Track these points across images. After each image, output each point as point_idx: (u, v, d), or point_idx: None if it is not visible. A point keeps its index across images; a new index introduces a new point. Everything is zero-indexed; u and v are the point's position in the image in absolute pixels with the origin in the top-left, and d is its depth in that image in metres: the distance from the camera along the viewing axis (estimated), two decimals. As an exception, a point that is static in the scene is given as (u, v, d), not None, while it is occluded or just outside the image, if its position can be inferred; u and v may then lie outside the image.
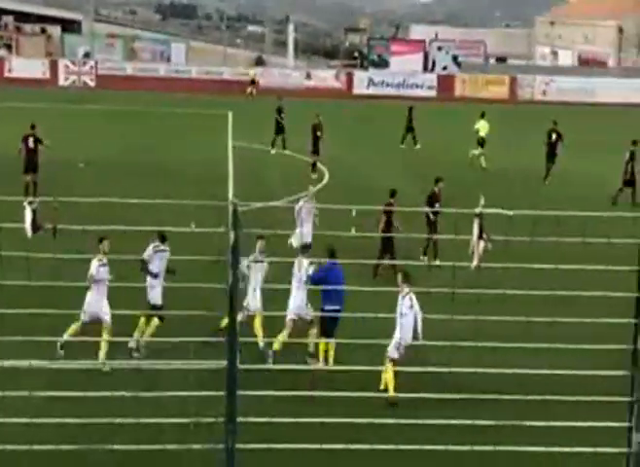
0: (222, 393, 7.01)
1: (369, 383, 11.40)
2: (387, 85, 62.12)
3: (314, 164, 31.31)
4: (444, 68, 65.64)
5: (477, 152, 34.09)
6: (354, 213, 17.20)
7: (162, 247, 14.44)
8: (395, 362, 12.20)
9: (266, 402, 8.33)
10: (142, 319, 14.22)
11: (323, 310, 13.31)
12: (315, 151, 31.33)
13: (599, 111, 54.24)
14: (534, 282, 9.67)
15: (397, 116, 41.18)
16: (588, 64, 75.58)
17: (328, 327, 13.44)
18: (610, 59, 77.38)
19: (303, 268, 13.89)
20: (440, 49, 67.00)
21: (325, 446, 7.55)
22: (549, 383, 9.10)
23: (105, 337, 13.30)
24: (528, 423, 7.27)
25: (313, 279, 13.76)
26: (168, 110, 47.68)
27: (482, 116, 35.02)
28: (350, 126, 44.47)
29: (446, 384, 10.20)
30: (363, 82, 62.38)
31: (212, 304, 8.42)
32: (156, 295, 14.30)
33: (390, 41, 71.53)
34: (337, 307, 13.18)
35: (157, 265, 14.32)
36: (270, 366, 12.78)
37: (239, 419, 6.97)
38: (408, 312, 12.34)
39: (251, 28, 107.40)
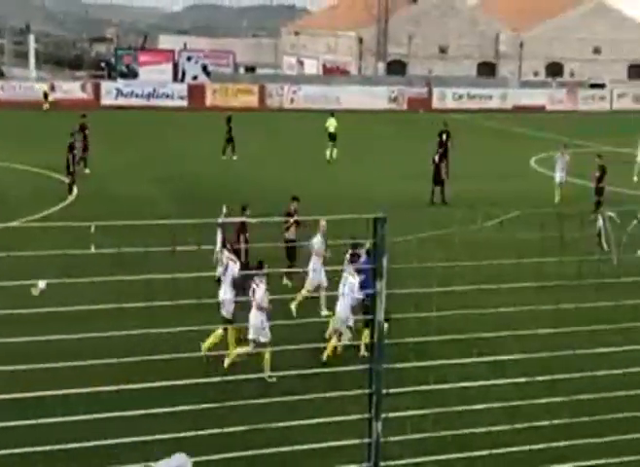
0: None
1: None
2: (137, 95, 61.11)
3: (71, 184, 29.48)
4: (195, 78, 65.72)
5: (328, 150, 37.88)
6: (92, 229, 16.32)
7: None
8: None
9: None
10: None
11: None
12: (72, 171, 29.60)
13: (344, 117, 56.62)
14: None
15: (147, 126, 40.65)
16: (332, 73, 78.71)
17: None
18: (352, 68, 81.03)
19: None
20: (189, 59, 67.03)
21: None
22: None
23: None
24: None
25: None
26: None
27: (332, 114, 39.80)
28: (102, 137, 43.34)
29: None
30: (111, 93, 60.95)
31: None
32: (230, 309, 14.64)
33: (138, 51, 70.53)
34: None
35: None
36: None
37: None
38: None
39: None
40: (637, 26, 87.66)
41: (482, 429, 6.44)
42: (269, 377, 13.21)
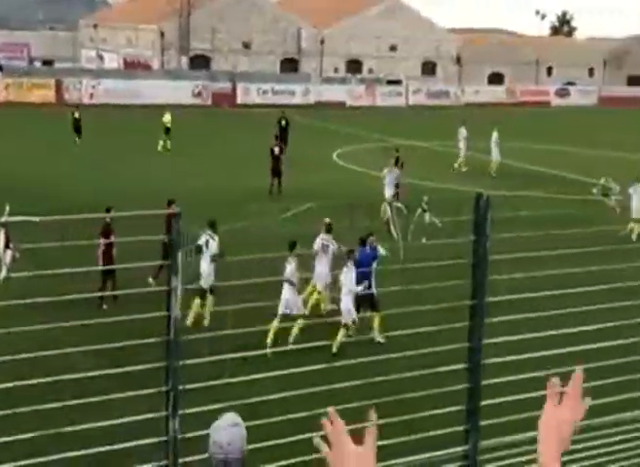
0: None
1: None
2: None
3: None
4: (-12, 72, 62.55)
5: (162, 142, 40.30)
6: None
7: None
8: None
9: None
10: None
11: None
12: None
13: (146, 112, 55.67)
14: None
15: None
16: (134, 67, 77.14)
17: None
18: (154, 62, 79.76)
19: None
20: (-22, 52, 63.73)
21: None
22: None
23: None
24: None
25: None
26: None
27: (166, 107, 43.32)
28: None
29: None
30: None
31: None
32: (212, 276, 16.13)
33: None
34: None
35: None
36: None
37: None
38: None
39: None
40: (430, 25, 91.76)
41: (282, 417, 6.55)
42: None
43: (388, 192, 26.50)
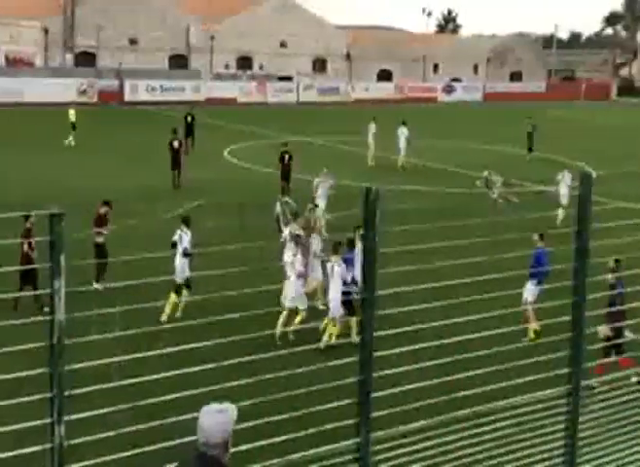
0: None
1: None
2: None
3: None
4: None
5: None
6: None
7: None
8: None
9: None
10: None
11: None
12: None
13: (29, 111, 54.08)
14: None
15: None
16: (16, 64, 74.75)
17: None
18: (37, 59, 77.51)
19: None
20: None
21: None
22: None
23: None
24: None
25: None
26: None
27: (71, 104, 44.33)
28: None
29: None
30: None
31: None
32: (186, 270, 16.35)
33: None
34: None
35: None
36: None
37: None
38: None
39: None
40: (320, 22, 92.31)
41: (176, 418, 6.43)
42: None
43: (322, 203, 24.24)
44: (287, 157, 30.32)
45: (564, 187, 25.87)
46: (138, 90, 68.44)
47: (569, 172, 26.59)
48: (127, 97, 67.20)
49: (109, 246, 18.21)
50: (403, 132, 38.53)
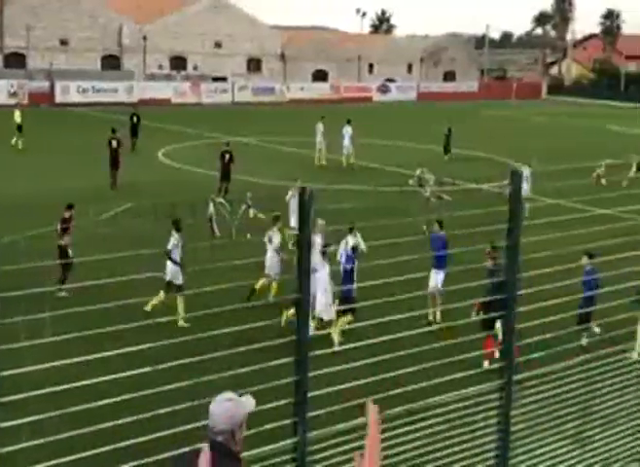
0: None
1: None
2: None
3: None
4: None
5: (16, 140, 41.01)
6: None
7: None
8: None
9: None
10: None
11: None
12: None
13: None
14: None
15: None
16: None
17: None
18: None
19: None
20: None
21: None
22: None
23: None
24: None
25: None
26: None
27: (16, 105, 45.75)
28: None
29: None
30: None
31: None
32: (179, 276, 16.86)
33: None
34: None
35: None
36: None
37: None
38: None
39: None
40: (254, 22, 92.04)
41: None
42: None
43: (293, 219, 21.41)
44: (228, 156, 30.28)
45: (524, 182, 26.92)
46: (70, 92, 67.37)
47: (526, 168, 27.53)
48: (59, 99, 66.11)
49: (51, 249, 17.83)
50: (347, 131, 38.99)
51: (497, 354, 11.36)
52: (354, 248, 16.32)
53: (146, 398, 5.64)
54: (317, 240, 16.76)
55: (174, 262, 16.76)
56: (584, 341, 13.86)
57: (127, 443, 5.30)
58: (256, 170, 33.69)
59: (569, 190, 25.56)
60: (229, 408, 4.50)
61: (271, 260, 17.87)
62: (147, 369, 5.72)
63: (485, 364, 12.29)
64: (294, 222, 21.07)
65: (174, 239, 16.84)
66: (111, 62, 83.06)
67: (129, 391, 5.60)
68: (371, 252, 16.22)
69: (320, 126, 39.59)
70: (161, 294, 16.69)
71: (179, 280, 16.77)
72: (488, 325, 12.47)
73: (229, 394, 4.59)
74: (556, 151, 43.60)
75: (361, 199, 28.42)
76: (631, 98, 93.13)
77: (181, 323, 15.89)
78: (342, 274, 15.79)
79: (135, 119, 41.44)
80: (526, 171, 27.29)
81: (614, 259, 8.71)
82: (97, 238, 20.75)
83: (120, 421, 5.48)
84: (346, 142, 38.77)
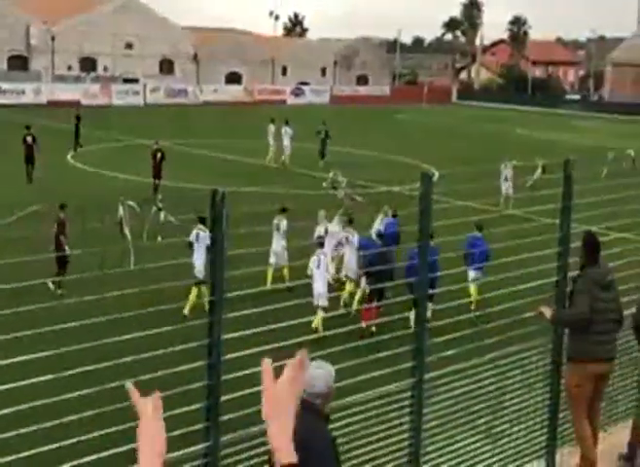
0: None
1: None
2: None
3: None
4: None
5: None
6: None
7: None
8: None
9: None
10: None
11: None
12: None
13: None
14: None
15: None
16: None
17: None
18: None
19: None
20: None
21: None
22: None
23: None
24: None
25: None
26: None
27: None
28: None
29: None
30: None
31: None
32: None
33: None
34: None
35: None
36: None
37: None
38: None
39: None
40: (165, 23, 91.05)
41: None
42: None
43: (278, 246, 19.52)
44: (159, 155, 30.28)
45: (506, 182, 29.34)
46: (-25, 93, 65.53)
47: (510, 165, 29.80)
48: (-37, 100, 64.23)
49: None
50: (287, 131, 39.49)
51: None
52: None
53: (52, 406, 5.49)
54: (320, 230, 18.76)
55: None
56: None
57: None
58: (168, 173, 33.30)
59: (478, 191, 26.07)
60: (322, 374, 5.22)
61: (280, 248, 18.80)
62: (43, 378, 5.57)
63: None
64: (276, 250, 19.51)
65: (198, 231, 17.29)
66: (18, 63, 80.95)
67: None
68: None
69: (271, 128, 40.12)
70: (193, 291, 16.99)
71: (201, 275, 16.92)
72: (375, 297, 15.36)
73: (319, 363, 5.31)
74: (466, 153, 44.43)
75: (271, 202, 28.34)
76: (538, 103, 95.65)
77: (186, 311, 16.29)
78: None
79: (76, 119, 41.08)
80: (506, 171, 29.43)
81: (521, 258, 8.92)
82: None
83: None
84: (286, 142, 39.42)
